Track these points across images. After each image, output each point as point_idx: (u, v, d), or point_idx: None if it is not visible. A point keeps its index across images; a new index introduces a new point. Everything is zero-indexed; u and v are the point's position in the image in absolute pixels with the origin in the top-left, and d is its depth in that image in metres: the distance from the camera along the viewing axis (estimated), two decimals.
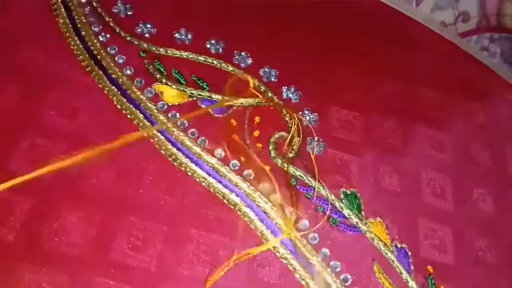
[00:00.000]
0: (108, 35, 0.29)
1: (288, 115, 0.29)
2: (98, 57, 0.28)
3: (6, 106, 0.26)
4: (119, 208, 0.24)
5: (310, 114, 0.29)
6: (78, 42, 0.28)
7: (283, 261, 0.25)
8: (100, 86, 0.27)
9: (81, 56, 0.28)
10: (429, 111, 0.33)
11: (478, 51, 0.41)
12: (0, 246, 0.22)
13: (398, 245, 0.26)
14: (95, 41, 0.29)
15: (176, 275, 0.23)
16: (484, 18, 0.46)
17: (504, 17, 0.45)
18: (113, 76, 0.28)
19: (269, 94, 0.29)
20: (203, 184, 0.26)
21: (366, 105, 0.31)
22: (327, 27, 0.35)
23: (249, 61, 0.30)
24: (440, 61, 0.37)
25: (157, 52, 0.29)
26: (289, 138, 0.28)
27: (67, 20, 0.29)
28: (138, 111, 0.27)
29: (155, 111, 0.27)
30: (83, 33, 0.29)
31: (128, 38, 0.29)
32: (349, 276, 0.25)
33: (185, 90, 0.28)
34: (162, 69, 0.29)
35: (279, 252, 0.25)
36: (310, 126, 0.29)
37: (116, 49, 0.29)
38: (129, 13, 0.30)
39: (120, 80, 0.28)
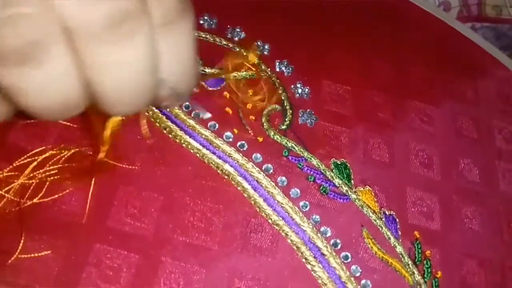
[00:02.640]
0: None
1: (281, 88, 0.30)
2: None
3: None
4: (115, 179, 0.25)
5: (302, 87, 0.30)
6: None
7: (275, 227, 0.25)
8: None
9: None
10: (418, 86, 0.34)
11: (467, 29, 0.41)
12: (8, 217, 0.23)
13: (386, 212, 0.27)
14: None
15: (173, 241, 0.24)
16: (465, 8, 0.47)
17: (485, 6, 0.46)
18: None
19: (262, 67, 0.30)
20: (197, 155, 0.27)
21: (357, 80, 0.32)
22: (321, 5, 0.36)
23: (243, 35, 0.31)
24: (430, 39, 0.38)
25: None
26: (281, 110, 0.29)
27: None
28: None
29: None
30: None
31: None
32: (338, 241, 0.26)
33: None
34: None
35: (271, 219, 0.26)
36: (302, 99, 0.30)
37: None
38: None
39: None
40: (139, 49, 0.15)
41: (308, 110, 0.29)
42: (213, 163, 0.26)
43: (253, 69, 0.30)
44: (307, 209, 0.26)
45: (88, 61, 0.15)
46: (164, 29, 0.16)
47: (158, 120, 0.27)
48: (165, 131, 0.27)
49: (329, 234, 0.26)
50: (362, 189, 0.27)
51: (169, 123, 0.27)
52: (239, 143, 0.27)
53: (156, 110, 0.27)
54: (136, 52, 0.15)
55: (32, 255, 0.22)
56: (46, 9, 0.14)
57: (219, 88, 0.29)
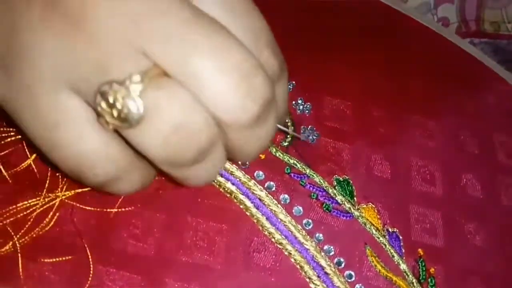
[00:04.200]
0: None
1: None
2: None
3: None
4: (116, 198, 0.25)
5: (303, 104, 0.30)
6: None
7: (278, 246, 0.25)
8: None
9: None
10: (419, 101, 0.34)
11: (466, 44, 0.42)
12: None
13: (390, 229, 0.27)
14: None
15: (175, 261, 0.24)
16: (464, 24, 0.47)
17: (483, 22, 0.47)
18: None
19: None
20: None
21: (358, 95, 0.32)
22: (320, 20, 0.36)
23: None
24: (429, 53, 0.38)
25: None
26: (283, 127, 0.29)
27: None
28: None
29: None
30: None
31: None
32: (342, 260, 0.25)
33: None
34: None
35: (274, 238, 0.25)
36: (304, 115, 0.30)
37: None
38: None
39: None
40: (273, 123, 0.18)
41: (309, 126, 0.29)
42: (214, 181, 0.26)
43: None
44: (310, 227, 0.26)
45: (235, 143, 0.18)
46: (275, 87, 0.18)
47: None
48: None
49: (332, 252, 0.26)
50: (365, 206, 0.27)
51: None
52: None
53: None
54: (271, 128, 0.18)
55: (35, 276, 0.22)
56: (209, 120, 0.16)
57: None
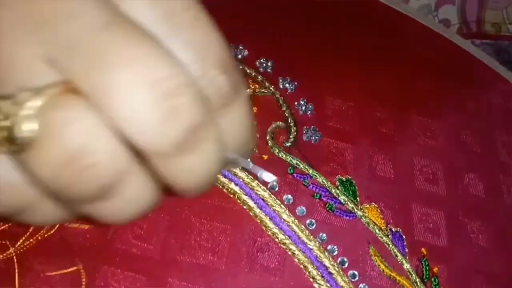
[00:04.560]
0: None
1: (284, 105, 0.30)
2: None
3: None
4: None
5: (305, 104, 0.30)
6: None
7: (282, 246, 0.25)
8: None
9: None
10: (421, 100, 0.34)
11: (468, 44, 0.42)
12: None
13: (393, 229, 0.27)
14: None
15: (179, 261, 0.24)
16: (465, 25, 0.47)
17: (484, 23, 0.47)
18: None
19: (266, 84, 0.30)
20: None
21: (360, 95, 0.32)
22: (322, 19, 0.36)
23: (245, 52, 0.31)
24: (431, 53, 0.38)
25: None
26: (285, 127, 0.29)
27: None
28: None
29: None
30: None
31: None
32: (345, 259, 0.26)
33: None
34: None
35: (278, 238, 0.26)
36: (306, 116, 0.30)
37: None
38: None
39: None
40: (209, 151, 0.15)
41: (312, 126, 0.30)
42: (218, 182, 0.26)
43: (256, 86, 0.30)
44: (313, 227, 0.26)
45: (161, 173, 0.15)
46: (223, 111, 0.15)
47: None
48: None
49: (336, 252, 0.26)
50: (368, 206, 0.27)
51: None
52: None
53: None
54: (208, 158, 0.15)
55: (41, 275, 0.22)
56: (115, 149, 0.14)
57: None
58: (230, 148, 0.16)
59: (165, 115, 0.13)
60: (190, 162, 0.14)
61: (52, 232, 0.24)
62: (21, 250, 0.23)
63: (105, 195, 0.14)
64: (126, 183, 0.14)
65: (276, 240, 0.25)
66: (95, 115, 0.13)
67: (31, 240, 0.23)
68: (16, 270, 0.22)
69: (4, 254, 0.23)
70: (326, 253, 0.25)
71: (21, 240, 0.23)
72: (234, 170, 0.27)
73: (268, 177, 0.18)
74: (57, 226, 0.23)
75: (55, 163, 0.13)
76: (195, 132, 0.14)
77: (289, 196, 0.27)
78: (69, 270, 0.23)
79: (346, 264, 0.25)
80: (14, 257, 0.23)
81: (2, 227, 0.23)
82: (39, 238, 0.23)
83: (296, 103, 0.30)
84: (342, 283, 0.25)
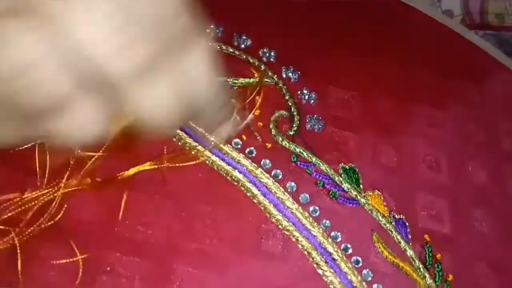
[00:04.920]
0: None
1: (288, 94, 0.30)
2: None
3: None
4: (126, 186, 0.25)
5: (309, 93, 0.30)
6: None
7: (286, 233, 0.26)
8: None
9: None
10: (424, 90, 0.34)
11: (471, 34, 0.42)
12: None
13: (396, 216, 0.27)
14: None
15: (184, 248, 0.24)
16: (468, 16, 0.47)
17: (487, 14, 0.47)
18: None
19: (269, 74, 0.30)
20: (207, 162, 0.27)
21: (363, 85, 0.32)
22: (325, 10, 0.36)
23: (249, 42, 0.31)
24: (435, 43, 0.38)
25: None
26: (289, 116, 0.29)
27: None
28: None
29: None
30: None
31: None
32: (349, 246, 0.26)
33: None
34: None
35: (282, 225, 0.26)
36: (309, 105, 0.30)
37: None
38: None
39: None
40: (165, 86, 0.16)
41: (315, 115, 0.30)
42: (222, 169, 0.27)
43: (259, 74, 0.30)
44: (317, 214, 0.26)
45: (118, 100, 0.15)
46: (181, 52, 0.16)
47: None
48: (174, 139, 0.27)
49: (339, 239, 0.26)
50: (371, 193, 0.28)
51: (178, 131, 0.27)
52: (247, 150, 0.27)
53: None
54: (163, 89, 0.16)
55: (50, 262, 0.22)
56: (58, 73, 0.14)
57: None
58: (188, 92, 0.17)
59: (126, 42, 0.14)
60: (148, 92, 0.15)
61: (56, 219, 0.24)
62: (25, 237, 0.23)
63: (52, 115, 0.15)
64: (71, 108, 0.15)
65: (280, 227, 0.26)
66: (54, 32, 0.13)
67: (35, 227, 0.23)
68: (19, 258, 0.23)
69: (7, 241, 0.23)
70: (330, 240, 0.26)
71: (24, 228, 0.23)
72: (237, 158, 0.27)
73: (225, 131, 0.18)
74: (62, 213, 0.24)
75: (9, 72, 0.13)
76: (153, 62, 0.15)
77: (293, 184, 0.27)
78: (74, 258, 0.23)
79: (350, 251, 0.26)
80: (17, 245, 0.23)
81: (6, 216, 0.23)
82: (43, 225, 0.23)
83: (299, 92, 0.30)
84: (346, 269, 0.25)
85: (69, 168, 0.25)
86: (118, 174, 0.25)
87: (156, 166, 0.26)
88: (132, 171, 0.25)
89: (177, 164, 0.26)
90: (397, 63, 0.35)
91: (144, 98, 0.16)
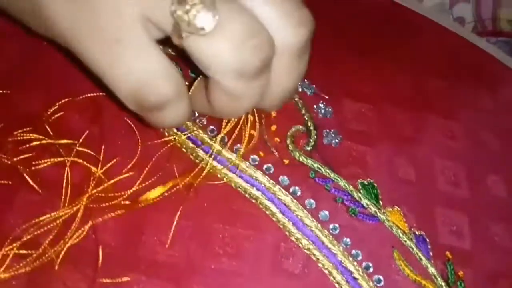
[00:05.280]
0: None
1: (304, 108, 0.30)
2: None
3: None
4: (145, 207, 0.25)
5: (325, 107, 0.30)
6: None
7: (306, 252, 0.25)
8: None
9: None
10: (439, 101, 0.33)
11: (483, 42, 0.41)
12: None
13: (417, 232, 0.27)
14: None
15: (204, 268, 0.24)
16: (480, 23, 0.47)
17: (500, 21, 0.46)
18: None
19: None
20: (224, 179, 0.26)
21: (377, 97, 0.32)
22: (336, 21, 0.36)
23: None
24: (448, 53, 0.38)
25: None
26: (305, 131, 0.29)
27: None
28: None
29: None
30: None
31: None
32: (370, 264, 0.25)
33: None
34: None
35: (301, 244, 0.25)
36: (326, 119, 0.30)
37: None
38: None
39: None
40: (262, 87, 0.21)
41: (332, 130, 0.29)
42: (240, 187, 0.26)
43: None
44: (336, 232, 0.26)
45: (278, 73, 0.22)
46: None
47: (184, 146, 0.27)
48: (191, 157, 0.27)
49: (360, 257, 0.25)
50: (390, 209, 0.27)
51: (196, 149, 0.27)
52: (265, 166, 0.27)
53: (182, 137, 0.27)
54: (260, 89, 0.21)
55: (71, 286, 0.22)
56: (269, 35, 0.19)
57: None
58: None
59: (298, 22, 0.20)
60: (256, 86, 0.20)
61: (77, 241, 0.23)
62: (45, 260, 0.23)
63: (264, 72, 0.20)
64: (269, 71, 0.21)
65: (300, 245, 0.25)
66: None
67: (55, 249, 0.23)
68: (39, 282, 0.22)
69: (26, 265, 0.23)
70: (351, 258, 0.25)
71: (44, 251, 0.23)
72: (255, 175, 0.27)
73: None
74: (83, 234, 0.23)
75: (239, 39, 0.18)
76: (267, 65, 0.20)
77: (312, 201, 0.27)
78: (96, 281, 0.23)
79: (371, 269, 0.25)
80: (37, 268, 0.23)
81: (27, 238, 0.23)
82: (62, 247, 0.23)
83: (315, 106, 0.30)
84: None
85: (90, 188, 0.24)
86: (140, 200, 0.25)
87: (176, 187, 0.25)
88: (153, 194, 0.24)
89: (196, 183, 0.26)
90: (409, 73, 0.35)
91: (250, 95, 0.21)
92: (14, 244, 0.23)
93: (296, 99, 0.30)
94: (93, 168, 0.25)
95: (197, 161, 0.27)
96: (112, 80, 0.19)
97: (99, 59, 0.19)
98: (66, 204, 0.24)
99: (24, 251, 0.23)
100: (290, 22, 0.19)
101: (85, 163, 0.25)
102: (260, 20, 0.19)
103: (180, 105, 0.20)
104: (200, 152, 0.27)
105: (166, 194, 0.25)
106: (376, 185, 0.28)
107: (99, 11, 0.18)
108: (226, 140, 0.27)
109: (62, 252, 0.23)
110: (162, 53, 0.19)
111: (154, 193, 0.24)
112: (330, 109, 0.30)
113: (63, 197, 0.24)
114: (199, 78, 0.24)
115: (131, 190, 0.25)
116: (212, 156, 0.27)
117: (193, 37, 0.18)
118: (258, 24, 0.19)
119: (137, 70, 0.18)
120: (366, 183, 0.28)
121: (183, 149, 0.27)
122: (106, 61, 0.19)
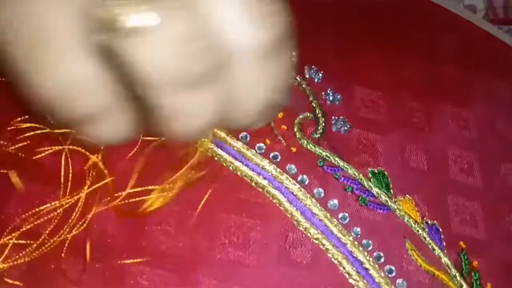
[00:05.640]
0: None
1: (311, 95, 0.29)
2: None
3: None
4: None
5: (333, 94, 0.29)
6: None
7: (314, 242, 0.24)
8: None
9: None
10: (452, 89, 0.33)
11: (495, 29, 0.40)
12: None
13: (429, 222, 0.26)
14: None
15: (209, 258, 0.23)
16: (491, 11, 0.46)
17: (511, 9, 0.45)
18: None
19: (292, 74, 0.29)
20: (230, 168, 0.26)
21: (389, 84, 0.31)
22: (349, 9, 0.35)
23: None
24: (461, 41, 0.37)
25: None
26: (313, 118, 0.28)
27: None
28: None
29: None
30: None
31: None
32: (381, 254, 0.24)
33: None
34: None
35: (310, 233, 0.25)
36: (334, 106, 0.29)
37: None
38: None
39: None
40: (282, 70, 0.18)
41: (341, 117, 0.28)
42: (246, 176, 0.26)
43: None
44: (346, 221, 0.25)
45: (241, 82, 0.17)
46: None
47: None
48: (196, 145, 0.26)
49: (371, 247, 0.25)
50: (402, 198, 0.26)
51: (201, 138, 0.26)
52: (272, 154, 0.26)
53: None
54: (279, 72, 0.18)
55: (71, 276, 0.21)
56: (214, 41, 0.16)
57: None
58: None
59: (260, 19, 0.16)
60: (267, 70, 0.17)
61: (77, 231, 0.23)
62: (45, 250, 0.22)
63: (210, 80, 0.16)
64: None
65: (308, 235, 0.24)
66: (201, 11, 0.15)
67: (55, 239, 0.22)
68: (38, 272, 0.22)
69: (26, 255, 0.22)
70: (361, 248, 0.24)
71: (44, 241, 0.22)
72: (262, 163, 0.26)
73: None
74: (84, 225, 0.23)
75: (176, 42, 0.15)
76: (278, 45, 0.17)
77: (320, 190, 0.26)
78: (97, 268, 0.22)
79: (382, 259, 0.24)
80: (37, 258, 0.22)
81: (27, 227, 0.22)
82: (63, 237, 0.23)
83: (323, 92, 0.29)
84: (379, 279, 0.24)
85: (90, 178, 0.24)
86: (143, 208, 0.24)
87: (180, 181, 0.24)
88: (156, 204, 0.23)
89: (199, 173, 0.25)
90: (422, 60, 0.34)
91: (262, 78, 0.17)
92: (14, 234, 0.22)
93: (303, 86, 0.29)
94: (93, 157, 0.24)
95: (200, 150, 0.26)
96: (36, 85, 0.16)
97: (23, 64, 0.16)
98: (67, 193, 0.23)
99: (23, 241, 0.22)
100: (252, 21, 0.16)
101: (84, 151, 0.24)
102: (214, 20, 0.15)
103: (114, 119, 0.17)
104: (204, 140, 0.26)
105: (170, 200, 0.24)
106: (386, 173, 0.27)
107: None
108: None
109: (66, 243, 0.22)
110: (94, 58, 0.16)
111: (157, 203, 0.24)
112: (338, 96, 0.29)
113: (62, 186, 0.23)
114: None
115: (130, 190, 0.24)
116: (213, 141, 0.26)
117: (129, 38, 0.15)
118: (205, 24, 0.15)
119: (63, 78, 0.16)
120: (376, 172, 0.27)
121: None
122: (30, 66, 0.16)
